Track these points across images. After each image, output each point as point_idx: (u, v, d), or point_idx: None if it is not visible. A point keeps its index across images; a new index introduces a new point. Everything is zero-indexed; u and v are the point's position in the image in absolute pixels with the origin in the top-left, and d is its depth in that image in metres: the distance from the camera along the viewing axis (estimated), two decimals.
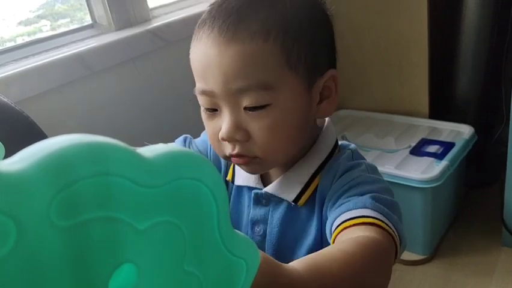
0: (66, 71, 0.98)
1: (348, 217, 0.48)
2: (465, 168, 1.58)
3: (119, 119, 1.10)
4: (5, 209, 0.18)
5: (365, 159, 0.59)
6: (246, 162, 0.54)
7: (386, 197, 0.51)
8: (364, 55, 1.66)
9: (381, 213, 0.48)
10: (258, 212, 0.60)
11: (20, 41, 1.06)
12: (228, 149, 0.53)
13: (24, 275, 0.19)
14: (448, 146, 1.44)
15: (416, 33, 1.55)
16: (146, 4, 1.22)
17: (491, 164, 1.68)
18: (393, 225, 0.48)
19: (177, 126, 1.24)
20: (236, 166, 0.61)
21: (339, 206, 0.51)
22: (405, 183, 1.33)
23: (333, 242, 0.49)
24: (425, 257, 1.45)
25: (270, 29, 0.49)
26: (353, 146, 0.61)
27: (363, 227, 0.47)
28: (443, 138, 1.51)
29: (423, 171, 1.34)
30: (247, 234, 0.60)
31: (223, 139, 0.52)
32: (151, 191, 0.23)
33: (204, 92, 0.52)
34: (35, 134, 0.67)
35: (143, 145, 0.24)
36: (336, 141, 0.60)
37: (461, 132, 1.52)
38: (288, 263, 0.37)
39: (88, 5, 1.15)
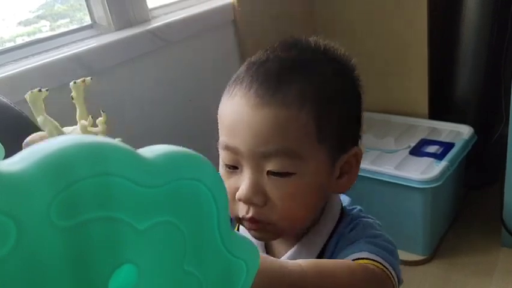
0: (65, 71, 0.98)
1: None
2: (465, 169, 1.58)
3: (118, 119, 1.10)
4: (5, 209, 0.18)
5: (366, 217, 0.58)
6: (259, 228, 0.52)
7: (383, 242, 0.51)
8: (364, 55, 1.65)
9: (377, 255, 0.49)
10: None
11: (19, 41, 1.06)
12: (243, 211, 0.51)
13: (24, 275, 0.19)
14: (447, 146, 1.44)
15: (415, 33, 1.55)
16: (146, 4, 1.22)
17: (490, 164, 1.68)
18: (390, 265, 0.48)
19: (177, 126, 1.24)
20: (240, 231, 0.60)
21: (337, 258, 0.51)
22: (404, 183, 1.33)
23: None
24: (425, 257, 1.45)
25: (306, 99, 0.49)
26: (355, 211, 0.59)
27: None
28: (442, 138, 1.51)
29: (423, 171, 1.34)
30: None
31: (239, 199, 0.50)
32: (151, 191, 0.23)
33: (228, 148, 0.51)
34: None
35: (143, 145, 0.24)
36: (342, 208, 0.59)
37: (460, 132, 1.52)
38: None
39: (87, 6, 1.15)
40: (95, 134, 0.40)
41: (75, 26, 1.14)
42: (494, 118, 1.65)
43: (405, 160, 1.42)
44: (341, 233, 0.56)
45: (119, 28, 1.14)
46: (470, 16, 1.54)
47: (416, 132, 1.57)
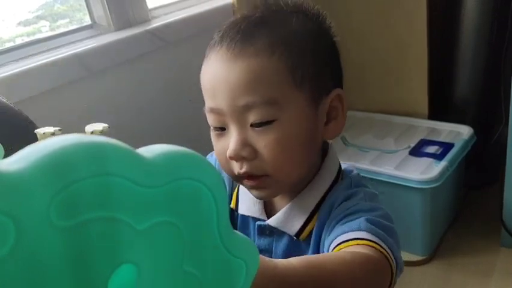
0: (65, 72, 0.98)
1: (343, 239, 0.49)
2: (464, 169, 1.58)
3: (118, 119, 1.10)
4: (4, 209, 0.18)
5: (366, 186, 0.59)
6: (258, 184, 0.53)
7: (382, 221, 0.52)
8: (363, 56, 1.66)
9: (376, 236, 0.49)
10: (262, 242, 0.59)
11: (19, 41, 1.06)
12: (236, 167, 0.53)
13: (24, 275, 0.19)
14: (447, 147, 1.44)
15: (415, 33, 1.55)
16: (146, 4, 1.22)
17: (490, 165, 1.68)
18: (388, 247, 0.48)
19: (176, 126, 1.24)
20: (240, 193, 0.61)
21: (334, 231, 0.51)
22: (404, 183, 1.33)
23: None
24: (425, 257, 1.45)
25: (275, 46, 0.51)
26: (354, 173, 0.60)
27: (358, 247, 0.48)
28: (442, 138, 1.51)
29: (423, 171, 1.34)
30: None
31: (230, 157, 0.52)
32: (151, 191, 0.23)
33: (212, 110, 0.53)
34: (35, 135, 0.67)
35: (142, 145, 0.24)
36: (340, 168, 0.60)
37: (460, 132, 1.52)
38: None
39: (87, 6, 1.15)
40: None
41: (75, 26, 1.14)
42: (494, 118, 1.65)
43: (404, 160, 1.42)
44: (336, 195, 0.56)
45: (118, 28, 1.14)
46: (469, 16, 1.54)
47: (415, 132, 1.57)
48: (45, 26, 1.15)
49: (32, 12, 1.13)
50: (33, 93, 0.93)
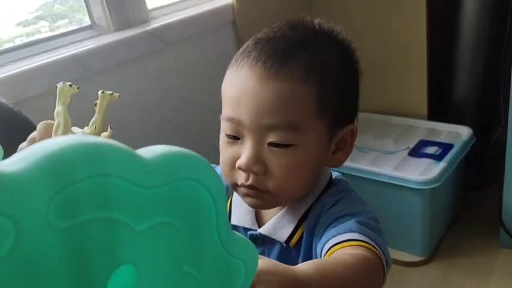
0: (65, 72, 0.98)
1: (336, 241, 0.50)
2: (463, 170, 1.58)
3: (117, 120, 1.10)
4: (4, 210, 0.18)
5: (352, 190, 0.60)
6: (256, 195, 0.54)
7: (370, 222, 0.53)
8: (362, 56, 1.65)
9: (367, 236, 0.49)
10: None
11: (19, 42, 1.06)
12: (242, 178, 0.53)
13: (24, 276, 0.19)
14: (446, 147, 1.44)
15: (414, 34, 1.55)
16: (145, 5, 1.22)
17: (489, 165, 1.68)
18: (378, 246, 0.49)
19: (176, 127, 1.24)
20: (233, 203, 0.62)
21: (325, 235, 0.52)
22: (403, 184, 1.33)
23: None
24: (424, 258, 1.45)
25: (310, 74, 0.52)
26: (341, 178, 0.62)
27: (353, 248, 0.48)
28: (441, 139, 1.51)
29: (422, 172, 1.34)
30: None
31: (240, 168, 0.53)
32: (150, 192, 0.23)
33: (232, 120, 0.53)
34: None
35: (142, 146, 0.24)
36: (330, 177, 0.61)
37: (459, 133, 1.52)
38: None
39: (86, 6, 1.15)
40: None
41: (74, 27, 1.14)
42: (493, 119, 1.65)
43: (404, 161, 1.42)
44: (324, 202, 0.57)
45: (118, 29, 1.14)
46: (469, 17, 1.54)
47: (415, 133, 1.57)
48: (45, 26, 1.15)
49: (32, 13, 1.13)
50: (32, 94, 0.93)
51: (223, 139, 0.55)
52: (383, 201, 1.41)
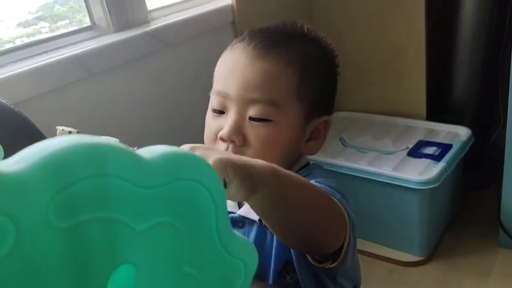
0: (65, 73, 0.98)
1: None
2: (462, 170, 1.58)
3: (118, 120, 1.10)
4: (4, 210, 0.18)
5: (325, 172, 0.64)
6: None
7: (333, 185, 0.56)
8: (361, 57, 1.66)
9: (331, 194, 0.52)
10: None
11: (19, 42, 1.06)
12: (222, 148, 0.58)
13: (23, 276, 0.19)
14: (445, 148, 1.44)
15: (413, 34, 1.55)
16: (145, 6, 1.22)
17: (488, 166, 1.68)
18: (341, 203, 0.52)
19: (176, 127, 1.24)
20: None
21: None
22: (402, 184, 1.33)
23: None
24: (422, 258, 1.45)
25: (295, 61, 0.59)
26: (317, 165, 0.66)
27: None
28: (440, 139, 1.51)
29: (421, 172, 1.34)
30: None
31: (221, 138, 0.58)
32: (150, 192, 0.23)
33: (220, 93, 0.59)
34: (34, 136, 0.67)
35: (142, 146, 0.24)
36: (307, 163, 0.65)
37: (458, 133, 1.52)
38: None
39: (87, 7, 1.15)
40: None
41: (74, 28, 1.14)
42: (492, 119, 1.65)
43: (403, 161, 1.42)
44: None
45: (118, 30, 1.14)
46: (468, 18, 1.54)
47: (413, 133, 1.57)
48: (45, 27, 1.15)
49: (32, 14, 1.13)
50: (32, 94, 0.93)
51: (209, 114, 0.61)
52: (381, 201, 1.41)
